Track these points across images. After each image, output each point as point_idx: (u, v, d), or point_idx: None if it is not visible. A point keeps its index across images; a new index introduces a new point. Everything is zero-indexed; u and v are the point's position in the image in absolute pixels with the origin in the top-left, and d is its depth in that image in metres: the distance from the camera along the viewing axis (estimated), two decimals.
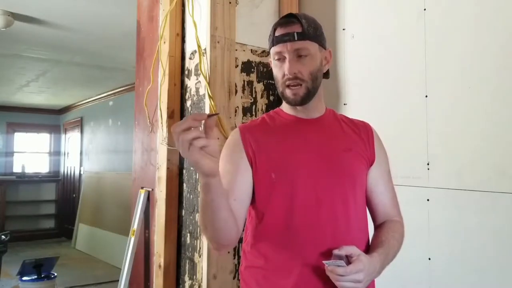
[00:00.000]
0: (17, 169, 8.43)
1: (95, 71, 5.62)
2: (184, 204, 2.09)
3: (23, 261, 3.99)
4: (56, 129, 9.04)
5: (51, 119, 8.99)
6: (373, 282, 1.13)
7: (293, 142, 1.14)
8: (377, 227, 1.18)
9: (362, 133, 1.19)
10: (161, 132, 2.14)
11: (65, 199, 8.35)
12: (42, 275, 3.97)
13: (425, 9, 1.65)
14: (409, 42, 1.70)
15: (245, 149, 1.14)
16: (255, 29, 2.06)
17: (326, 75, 1.21)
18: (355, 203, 1.12)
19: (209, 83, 1.85)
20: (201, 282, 1.83)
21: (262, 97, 2.07)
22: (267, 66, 2.09)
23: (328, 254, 1.02)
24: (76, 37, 4.16)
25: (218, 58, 1.88)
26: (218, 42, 1.88)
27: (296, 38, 1.10)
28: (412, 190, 1.64)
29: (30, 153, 8.88)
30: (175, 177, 2.10)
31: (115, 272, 4.56)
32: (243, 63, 2.01)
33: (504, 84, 1.41)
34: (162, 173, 2.11)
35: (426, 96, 1.62)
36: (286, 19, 1.14)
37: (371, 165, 1.17)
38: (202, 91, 1.98)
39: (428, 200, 1.60)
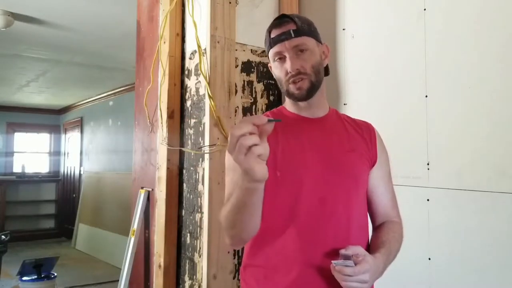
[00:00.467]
0: (17, 169, 8.43)
1: (95, 71, 5.62)
2: (184, 204, 2.09)
3: (23, 261, 3.99)
4: (56, 129, 9.03)
5: (51, 119, 8.99)
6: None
7: (298, 141, 1.14)
8: (377, 227, 1.19)
9: (365, 133, 1.20)
10: (161, 132, 2.14)
11: (65, 199, 8.35)
12: (42, 275, 3.97)
13: (425, 9, 1.65)
14: (409, 42, 1.70)
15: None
16: (255, 29, 2.06)
17: (326, 71, 1.22)
18: (357, 203, 1.13)
19: (209, 83, 1.85)
20: (201, 282, 1.83)
21: (262, 97, 2.07)
22: (267, 66, 2.08)
23: (331, 254, 1.02)
24: (76, 37, 4.16)
25: (218, 58, 1.88)
26: (218, 42, 1.88)
27: (293, 35, 1.11)
28: (412, 190, 1.64)
29: (30, 153, 8.88)
30: (175, 177, 2.10)
31: (115, 272, 4.56)
32: (243, 63, 2.01)
33: (504, 84, 1.41)
34: (162, 173, 2.11)
35: (426, 96, 1.62)
36: (279, 20, 1.15)
37: (373, 166, 1.18)
38: (202, 91, 1.98)
39: (428, 200, 1.60)
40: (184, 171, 2.10)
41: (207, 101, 1.87)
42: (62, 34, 4.06)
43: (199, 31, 1.95)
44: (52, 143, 9.03)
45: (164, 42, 2.12)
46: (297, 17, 1.16)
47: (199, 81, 2.01)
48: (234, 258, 1.89)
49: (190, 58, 2.09)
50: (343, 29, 2.00)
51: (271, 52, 1.15)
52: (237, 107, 1.98)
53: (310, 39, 1.13)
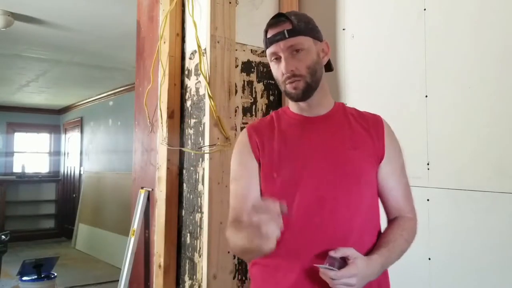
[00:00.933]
0: (17, 169, 8.43)
1: (95, 71, 5.62)
2: (184, 204, 2.09)
3: (23, 261, 3.98)
4: (56, 129, 9.03)
5: (51, 119, 8.99)
6: (386, 276, 1.13)
7: (297, 142, 1.14)
8: (388, 223, 1.18)
9: (372, 128, 1.16)
10: (161, 132, 2.14)
11: (65, 199, 8.35)
12: (42, 275, 3.97)
13: (425, 9, 1.65)
14: (409, 42, 1.70)
15: (252, 150, 1.17)
16: (255, 29, 2.06)
17: (329, 68, 1.20)
18: (361, 202, 1.10)
19: (209, 83, 1.85)
20: (201, 282, 1.83)
21: (262, 97, 2.07)
22: (267, 66, 2.08)
23: (326, 255, 1.02)
24: (76, 37, 4.16)
25: (218, 58, 1.88)
26: (218, 42, 1.88)
27: (287, 36, 1.10)
28: (412, 190, 1.63)
29: (30, 153, 8.88)
30: (175, 177, 2.10)
31: (115, 272, 4.56)
32: (243, 63, 2.01)
33: (504, 84, 1.41)
34: (162, 173, 2.11)
35: (426, 96, 1.62)
36: (275, 19, 1.14)
37: (380, 161, 1.14)
38: (202, 91, 1.98)
39: (428, 200, 1.60)
40: (184, 171, 2.10)
41: (207, 101, 1.87)
42: (62, 34, 4.06)
43: (199, 31, 1.95)
44: (52, 143, 9.02)
45: (164, 42, 2.12)
46: (295, 15, 1.14)
47: (199, 81, 2.01)
48: (234, 258, 1.89)
49: (190, 58, 2.09)
50: (343, 29, 2.00)
51: (268, 52, 1.16)
52: (237, 107, 1.98)
53: (306, 38, 1.11)
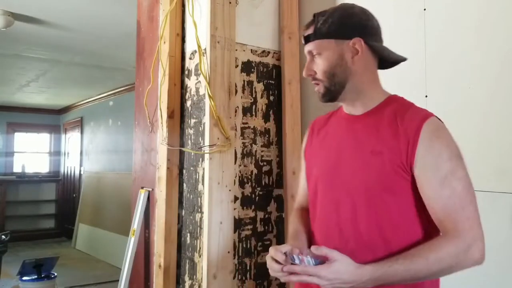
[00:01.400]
0: (17, 169, 8.43)
1: (95, 71, 5.62)
2: (184, 204, 2.09)
3: (23, 261, 3.98)
4: (56, 129, 9.03)
5: (51, 119, 8.99)
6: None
7: (332, 140, 1.19)
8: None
9: (405, 131, 1.03)
10: (161, 132, 2.14)
11: (65, 199, 8.35)
12: (42, 275, 3.97)
13: (425, 9, 1.65)
14: (409, 42, 1.70)
15: (305, 148, 1.30)
16: (255, 29, 2.07)
17: (386, 65, 1.15)
18: (366, 209, 1.06)
19: (209, 83, 1.85)
20: (201, 282, 1.83)
21: (262, 97, 2.07)
22: (267, 66, 2.09)
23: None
24: (76, 37, 4.16)
25: (218, 58, 1.88)
26: (218, 42, 1.88)
27: (304, 42, 1.15)
28: None
29: (30, 153, 8.88)
30: (175, 177, 2.10)
31: (115, 272, 4.56)
32: (243, 63, 2.01)
33: (504, 84, 1.41)
34: (162, 173, 2.11)
35: (426, 96, 1.62)
36: (308, 22, 1.16)
37: (409, 167, 1.02)
38: (202, 91, 1.98)
39: None
40: (184, 171, 2.10)
41: (207, 101, 1.87)
42: (62, 34, 4.06)
43: (199, 31, 1.95)
44: (52, 143, 9.02)
45: (164, 42, 2.12)
46: (322, 15, 1.12)
47: (199, 81, 2.01)
48: (234, 258, 1.89)
49: (190, 58, 2.09)
50: None
51: None
52: (237, 107, 1.98)
53: (327, 41, 1.10)
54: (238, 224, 1.92)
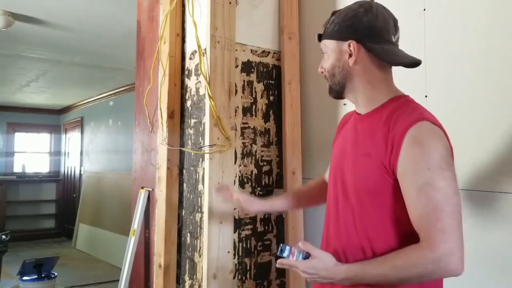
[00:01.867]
0: (17, 169, 8.43)
1: (95, 71, 5.62)
2: (184, 204, 2.09)
3: (24, 261, 3.99)
4: (56, 129, 9.04)
5: (51, 119, 8.99)
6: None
7: (343, 139, 1.25)
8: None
9: (394, 134, 1.02)
10: (161, 132, 2.14)
11: (65, 199, 8.35)
12: (43, 275, 3.97)
13: (425, 9, 1.65)
14: (409, 42, 1.70)
15: (334, 141, 1.34)
16: (255, 29, 2.07)
17: (386, 61, 1.12)
18: (361, 209, 1.09)
19: (209, 83, 1.85)
20: (201, 282, 1.83)
21: (262, 97, 2.07)
22: (267, 66, 2.09)
23: (335, 251, 1.13)
24: (76, 37, 4.16)
25: (218, 58, 1.88)
26: (218, 42, 1.88)
27: (317, 40, 1.21)
28: None
29: (31, 153, 8.88)
30: (175, 177, 2.10)
31: (115, 272, 4.57)
32: (243, 63, 2.01)
33: (504, 84, 1.41)
34: (162, 173, 2.12)
35: (426, 96, 1.62)
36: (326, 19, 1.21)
37: (393, 172, 1.02)
38: (202, 91, 1.98)
39: None
40: (184, 171, 2.10)
41: (207, 101, 1.87)
42: (62, 34, 4.07)
43: (199, 31, 1.95)
44: (53, 143, 9.03)
45: (164, 42, 2.12)
46: (337, 14, 1.18)
47: (199, 81, 2.01)
48: (234, 258, 1.89)
49: (190, 58, 2.09)
50: None
51: None
52: (237, 107, 1.98)
53: (330, 42, 1.16)
54: (238, 224, 1.92)
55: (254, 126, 2.02)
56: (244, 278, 1.93)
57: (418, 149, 0.99)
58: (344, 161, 1.17)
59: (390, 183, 1.03)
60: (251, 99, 2.03)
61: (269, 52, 2.09)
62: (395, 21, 1.17)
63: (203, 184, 1.91)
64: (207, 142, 1.83)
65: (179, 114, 2.13)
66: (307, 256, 1.07)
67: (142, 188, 2.47)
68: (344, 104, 1.95)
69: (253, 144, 2.01)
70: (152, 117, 2.36)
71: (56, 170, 8.89)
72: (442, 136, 1.03)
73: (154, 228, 2.25)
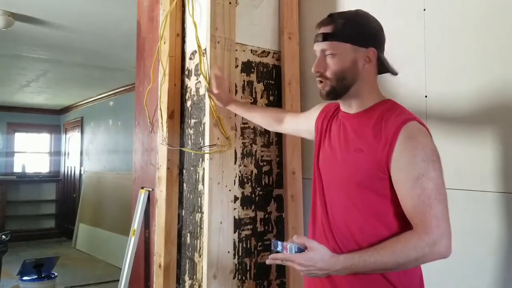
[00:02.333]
0: (17, 169, 8.44)
1: (95, 71, 5.62)
2: (184, 204, 2.09)
3: (24, 261, 3.99)
4: (56, 129, 9.04)
5: (52, 119, 8.99)
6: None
7: (329, 135, 1.28)
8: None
9: (387, 132, 1.10)
10: (161, 132, 2.14)
11: (66, 199, 8.35)
12: (43, 275, 3.98)
13: (424, 9, 1.65)
14: (409, 42, 1.70)
15: (316, 122, 1.38)
16: (255, 29, 2.07)
17: (384, 69, 1.24)
18: (353, 205, 1.16)
19: (209, 83, 1.85)
20: (201, 282, 1.83)
21: (262, 97, 2.07)
22: (267, 66, 2.09)
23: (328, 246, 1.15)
24: (76, 37, 4.16)
25: (218, 58, 1.88)
26: (218, 42, 1.88)
27: (321, 39, 1.18)
28: None
29: (31, 153, 8.89)
30: (175, 177, 2.11)
31: (116, 272, 4.57)
32: (243, 63, 2.02)
33: (504, 84, 1.41)
34: (162, 173, 2.12)
35: (426, 96, 1.62)
36: (322, 20, 1.20)
37: (386, 167, 1.10)
38: (202, 91, 1.98)
39: None
40: (184, 171, 2.10)
41: (207, 101, 1.87)
42: (63, 34, 4.07)
43: (199, 31, 1.95)
44: (53, 143, 9.03)
45: (164, 42, 2.13)
46: (343, 18, 1.18)
47: (199, 81, 2.01)
48: (234, 258, 1.89)
49: (190, 58, 2.10)
50: None
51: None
52: None
53: (343, 45, 1.16)
54: (238, 224, 1.92)
55: (254, 126, 2.02)
56: (244, 278, 1.93)
57: (413, 144, 1.08)
58: (332, 156, 1.23)
59: (383, 178, 1.11)
60: (251, 99, 2.04)
61: (269, 52, 2.09)
62: None
63: (203, 184, 1.91)
64: (207, 142, 1.84)
65: (179, 114, 2.13)
66: (300, 249, 1.08)
67: (142, 188, 2.47)
68: None
69: (253, 144, 2.01)
70: (152, 117, 2.36)
71: (56, 170, 8.89)
72: (429, 134, 1.14)
73: (154, 228, 2.26)
